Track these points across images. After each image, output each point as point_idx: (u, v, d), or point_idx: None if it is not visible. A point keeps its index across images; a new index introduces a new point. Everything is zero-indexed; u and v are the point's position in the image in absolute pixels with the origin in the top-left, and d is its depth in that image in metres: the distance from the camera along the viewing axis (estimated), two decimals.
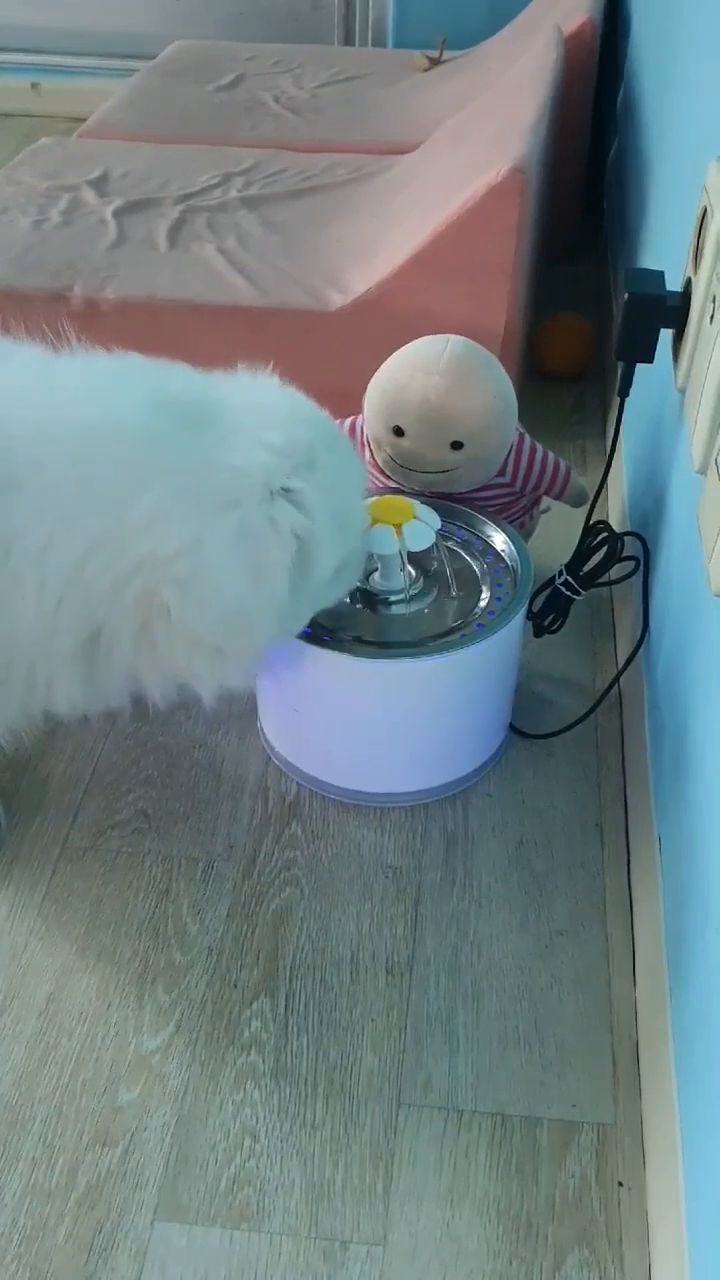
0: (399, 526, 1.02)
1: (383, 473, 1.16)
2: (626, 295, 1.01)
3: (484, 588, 1.07)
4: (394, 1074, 0.89)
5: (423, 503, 1.06)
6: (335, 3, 2.77)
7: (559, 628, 1.19)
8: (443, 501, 1.13)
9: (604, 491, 1.23)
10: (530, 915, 1.01)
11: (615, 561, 1.14)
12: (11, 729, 0.97)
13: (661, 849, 0.95)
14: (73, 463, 0.84)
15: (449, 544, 1.12)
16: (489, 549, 1.12)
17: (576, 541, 1.17)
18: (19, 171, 1.84)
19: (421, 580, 1.07)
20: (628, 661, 1.14)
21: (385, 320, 1.42)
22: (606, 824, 1.09)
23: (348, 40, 2.81)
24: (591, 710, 1.16)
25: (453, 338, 1.12)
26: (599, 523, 1.17)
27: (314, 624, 1.00)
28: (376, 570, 1.05)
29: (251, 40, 2.62)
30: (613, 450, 1.19)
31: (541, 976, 0.96)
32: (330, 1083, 0.89)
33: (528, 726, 1.17)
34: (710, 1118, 0.71)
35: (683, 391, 0.98)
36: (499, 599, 1.06)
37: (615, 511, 1.40)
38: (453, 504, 1.14)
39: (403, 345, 1.13)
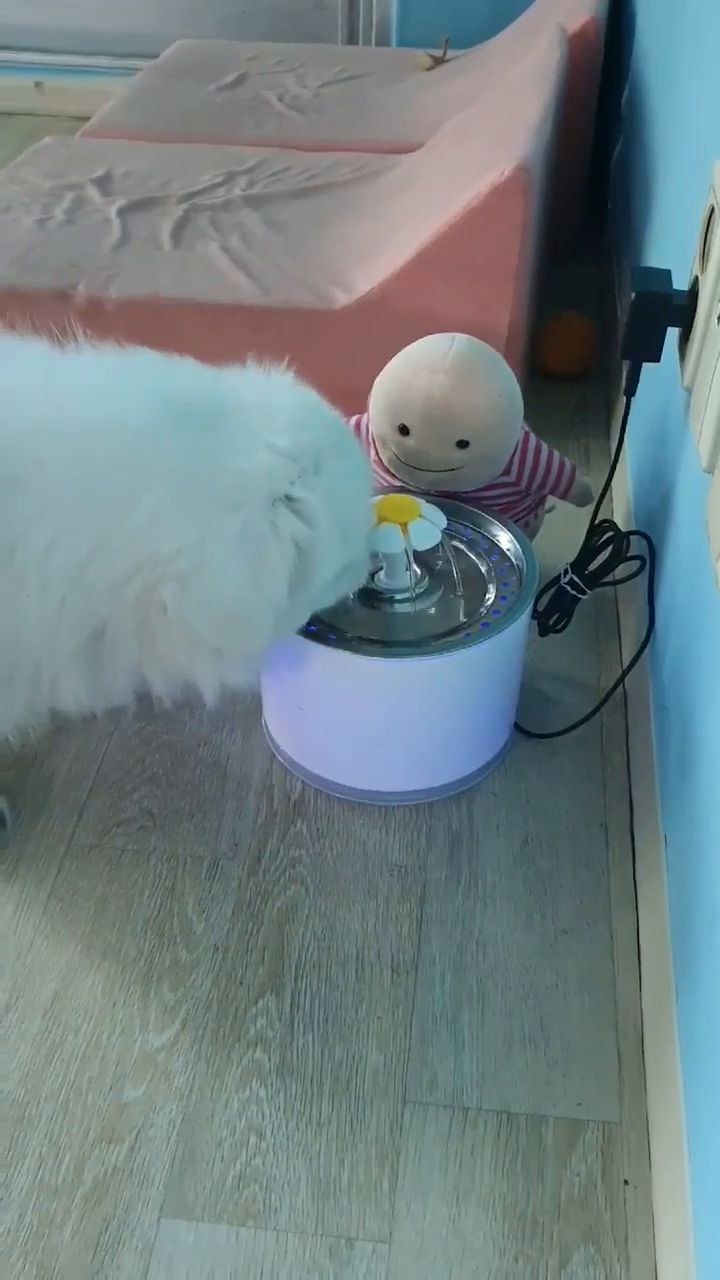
0: (405, 525, 1.02)
1: (388, 471, 1.16)
2: (633, 294, 1.01)
3: (489, 587, 1.07)
4: (399, 1072, 0.90)
5: (428, 501, 1.06)
6: (338, 2, 2.77)
7: (564, 627, 1.19)
8: (448, 500, 1.13)
9: (609, 491, 1.23)
10: (535, 914, 1.01)
11: (620, 560, 1.14)
12: (19, 726, 0.97)
13: (667, 848, 0.95)
14: (76, 462, 0.84)
15: (454, 543, 1.12)
16: (494, 548, 1.12)
17: (582, 540, 1.17)
18: (22, 170, 1.84)
19: (427, 579, 1.07)
20: (633, 661, 1.14)
21: (389, 319, 1.42)
22: (611, 823, 1.09)
23: (351, 39, 2.81)
24: (596, 709, 1.16)
25: (458, 336, 1.12)
26: (604, 522, 1.17)
27: (319, 622, 1.00)
28: (382, 569, 1.05)
29: (254, 39, 2.61)
30: (618, 449, 1.19)
31: (546, 975, 0.96)
32: (336, 1080, 0.89)
33: (533, 726, 1.17)
34: (716, 1115, 0.71)
35: (689, 390, 0.98)
36: (504, 598, 1.06)
37: (620, 510, 1.40)
38: (458, 503, 1.14)
39: (407, 344, 1.13)
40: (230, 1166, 0.84)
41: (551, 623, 1.19)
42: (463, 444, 1.10)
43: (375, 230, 1.61)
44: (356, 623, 1.03)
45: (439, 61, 2.31)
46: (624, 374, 1.12)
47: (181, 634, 0.87)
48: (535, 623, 1.18)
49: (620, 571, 1.15)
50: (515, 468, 1.18)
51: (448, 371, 1.09)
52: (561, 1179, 0.83)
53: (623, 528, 1.26)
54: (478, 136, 1.62)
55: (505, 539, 1.12)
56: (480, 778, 1.12)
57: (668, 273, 1.03)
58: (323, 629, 1.01)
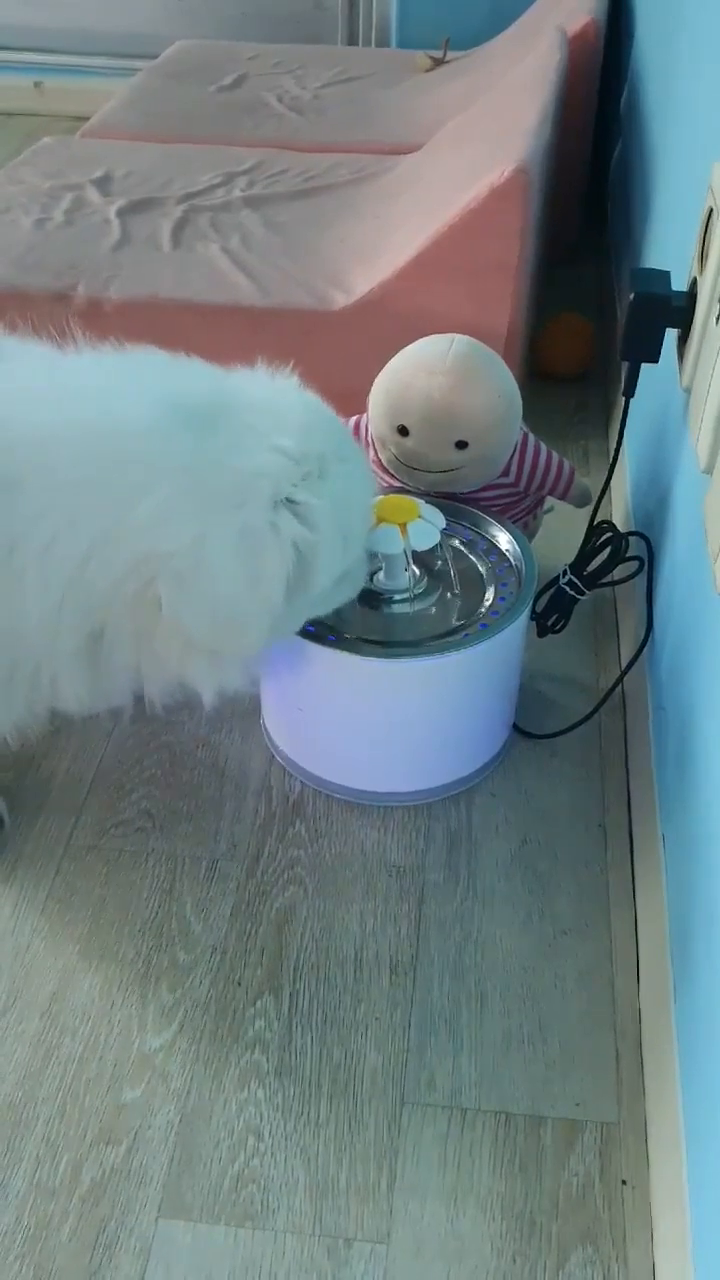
0: (404, 526, 1.02)
1: (387, 472, 1.16)
2: (632, 295, 1.01)
3: (488, 587, 1.07)
4: (398, 1072, 0.90)
5: (427, 502, 1.06)
6: (338, 3, 2.77)
7: (563, 628, 1.19)
8: (447, 501, 1.13)
9: (608, 491, 1.23)
10: (534, 915, 1.01)
11: (619, 561, 1.14)
12: (18, 726, 0.97)
13: (665, 848, 0.95)
14: (77, 462, 0.84)
15: (453, 543, 1.12)
16: (493, 549, 1.12)
17: (580, 541, 1.17)
18: (22, 171, 1.84)
19: (426, 580, 1.07)
20: (631, 661, 1.14)
21: (388, 320, 1.42)
22: (610, 824, 1.09)
23: (351, 40, 2.81)
24: (595, 710, 1.16)
25: (457, 337, 1.12)
26: (603, 523, 1.17)
27: (318, 623, 1.00)
28: (381, 569, 1.05)
29: (254, 40, 2.62)
30: (617, 450, 1.19)
31: (545, 975, 0.96)
32: (334, 1081, 0.89)
33: (531, 726, 1.17)
34: (714, 1116, 0.71)
35: (688, 391, 0.98)
36: (503, 599, 1.06)
37: (619, 511, 1.40)
38: (457, 504, 1.14)
39: (406, 345, 1.14)
40: (228, 1167, 0.84)
41: (550, 623, 1.19)
42: (462, 445, 1.10)
43: (374, 231, 1.61)
44: (355, 623, 1.03)
45: (439, 63, 2.31)
46: (623, 375, 1.12)
47: (176, 634, 0.86)
48: (534, 623, 1.18)
49: (619, 572, 1.15)
50: (514, 469, 1.18)
51: (447, 372, 1.09)
52: (559, 1179, 0.83)
53: (621, 528, 1.26)
54: (477, 138, 1.62)
55: (504, 540, 1.12)
56: (479, 778, 1.12)
57: (666, 274, 1.03)
58: (321, 629, 1.01)
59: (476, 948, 0.98)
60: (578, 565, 1.16)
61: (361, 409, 1.17)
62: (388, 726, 1.05)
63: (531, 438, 1.20)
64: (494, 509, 1.16)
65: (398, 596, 1.05)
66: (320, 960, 0.97)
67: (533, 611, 1.14)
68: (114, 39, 2.90)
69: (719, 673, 0.82)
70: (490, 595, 1.06)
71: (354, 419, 1.19)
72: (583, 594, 1.16)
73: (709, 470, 0.88)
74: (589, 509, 1.23)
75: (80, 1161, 0.84)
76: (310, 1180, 0.83)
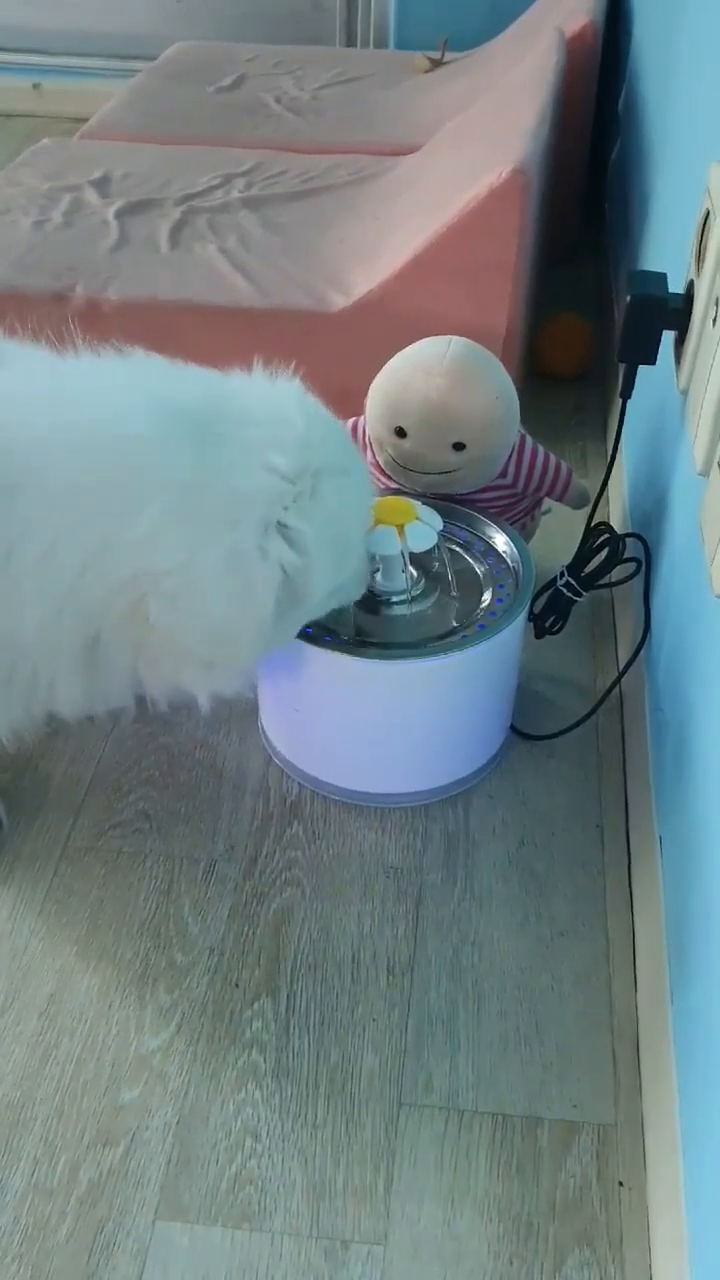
0: (401, 527, 1.02)
1: (384, 473, 1.16)
2: (629, 297, 1.01)
3: (485, 589, 1.07)
4: (395, 1074, 0.90)
5: (425, 504, 1.06)
6: (337, 4, 2.77)
7: (560, 629, 1.20)
8: (444, 503, 1.14)
9: (605, 493, 1.23)
10: (531, 916, 1.01)
11: (617, 563, 1.14)
12: (15, 729, 0.97)
13: (662, 850, 0.95)
14: (75, 471, 0.84)
15: (451, 545, 1.12)
16: (490, 550, 1.12)
17: (578, 543, 1.17)
18: (20, 172, 1.84)
19: (423, 581, 1.07)
20: (629, 662, 1.14)
21: (387, 321, 1.42)
22: (607, 825, 1.09)
23: (349, 41, 2.81)
24: (592, 711, 1.16)
25: (455, 339, 1.12)
26: (600, 524, 1.17)
27: (315, 624, 1.00)
28: (378, 571, 1.05)
29: (253, 41, 2.62)
30: (614, 452, 1.19)
31: (542, 977, 0.96)
32: (332, 1082, 0.89)
33: (529, 727, 1.17)
34: (710, 1117, 0.71)
35: (685, 393, 0.98)
36: (500, 600, 1.06)
37: (616, 513, 1.40)
38: (454, 505, 1.15)
39: (404, 346, 1.14)
40: (226, 1169, 0.84)
41: (548, 625, 1.19)
42: (459, 446, 1.10)
43: (373, 232, 1.61)
44: (352, 624, 1.03)
45: (437, 64, 2.31)
46: (620, 377, 1.12)
47: (169, 646, 0.87)
48: (531, 625, 1.18)
49: (616, 574, 1.15)
50: (512, 470, 1.18)
51: (444, 374, 1.09)
52: (557, 1181, 0.84)
53: (619, 530, 1.26)
54: (476, 139, 1.62)
55: (501, 541, 1.12)
56: (476, 780, 1.13)
57: (663, 276, 1.03)
58: (319, 631, 1.01)
59: (474, 949, 0.98)
60: (575, 566, 1.16)
61: (359, 410, 1.17)
62: (385, 728, 1.05)
63: (529, 439, 1.20)
64: (491, 510, 1.17)
65: (395, 598, 1.06)
66: (318, 961, 0.97)
67: (530, 613, 1.14)
68: (113, 40, 2.90)
69: (716, 674, 0.82)
70: (488, 597, 1.07)
71: (351, 420, 1.19)
72: (580, 595, 1.16)
73: (705, 472, 0.88)
74: (586, 510, 1.23)
75: (78, 1162, 0.84)
76: (307, 1181, 0.83)
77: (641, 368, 1.07)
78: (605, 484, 1.22)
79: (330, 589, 0.92)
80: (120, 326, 1.47)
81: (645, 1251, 0.80)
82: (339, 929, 1.00)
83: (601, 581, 1.15)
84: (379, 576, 1.05)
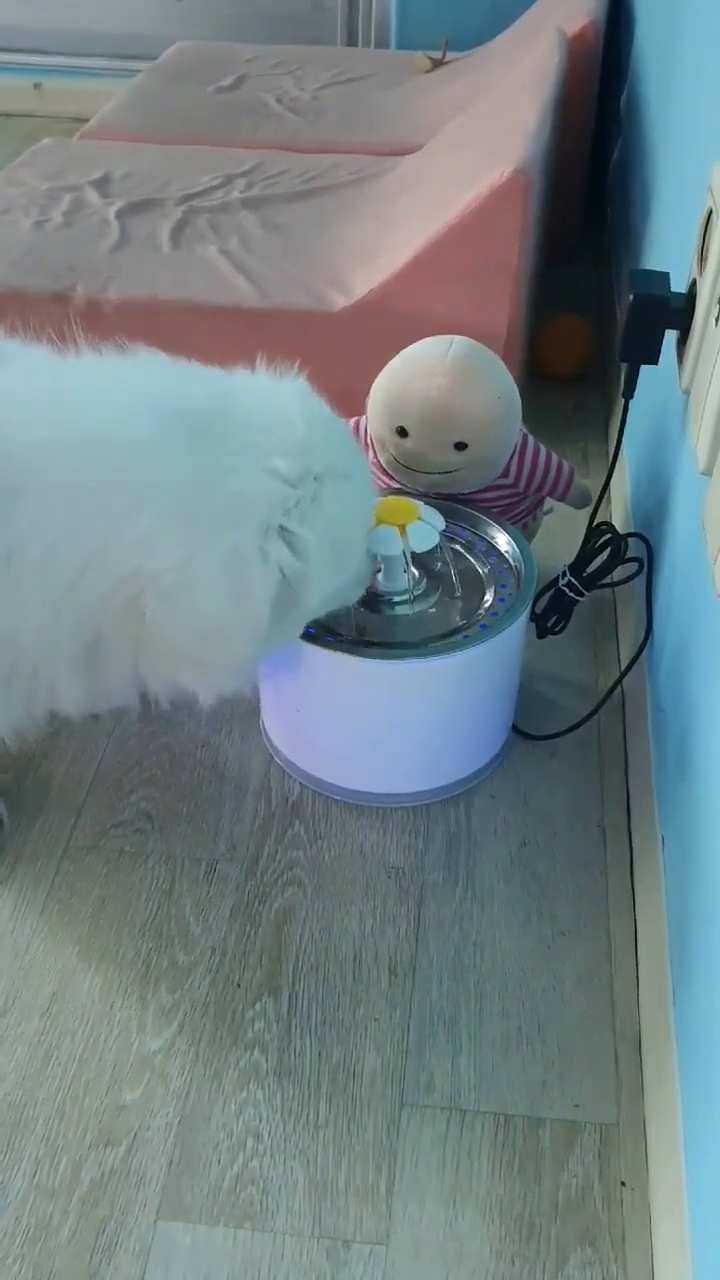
0: (403, 527, 1.02)
1: (386, 473, 1.16)
2: (631, 296, 1.01)
3: (487, 589, 1.07)
4: (397, 1074, 0.90)
5: (426, 504, 1.06)
6: (338, 4, 2.77)
7: (562, 629, 1.19)
8: (446, 502, 1.13)
9: (607, 493, 1.23)
10: (533, 916, 1.01)
11: (619, 563, 1.14)
12: (16, 729, 0.97)
13: (664, 849, 0.95)
14: (76, 473, 0.84)
15: (453, 545, 1.12)
16: (492, 550, 1.12)
17: (580, 543, 1.17)
18: (21, 172, 1.84)
19: (425, 581, 1.07)
20: (631, 662, 1.14)
21: (388, 321, 1.42)
22: (609, 825, 1.09)
23: (350, 41, 2.81)
24: (594, 711, 1.16)
25: (456, 338, 1.12)
26: (602, 524, 1.17)
27: (316, 624, 1.00)
28: (380, 571, 1.05)
29: (253, 41, 2.62)
30: (616, 451, 1.19)
31: (544, 977, 0.96)
32: (333, 1082, 0.89)
33: (530, 727, 1.17)
34: (713, 1117, 0.71)
35: (687, 393, 0.98)
36: (502, 600, 1.06)
37: (618, 513, 1.40)
38: (456, 505, 1.14)
39: (405, 346, 1.14)
40: (227, 1169, 0.84)
41: (550, 624, 1.19)
42: (461, 446, 1.10)
43: (374, 232, 1.61)
44: (355, 625, 1.03)
45: (438, 64, 2.31)
46: (622, 376, 1.12)
47: (162, 644, 0.87)
48: (533, 625, 1.18)
49: (618, 573, 1.15)
50: (513, 470, 1.18)
51: (446, 374, 1.09)
52: (559, 1181, 0.83)
53: (621, 530, 1.26)
54: (476, 139, 1.62)
55: (503, 541, 1.12)
56: (478, 779, 1.12)
57: (666, 275, 1.03)
58: (320, 631, 1.01)
59: (475, 949, 0.98)
60: (577, 566, 1.16)
61: (361, 410, 1.17)
62: (387, 728, 1.05)
63: (530, 439, 1.20)
64: (493, 510, 1.17)
65: (397, 598, 1.06)
66: (319, 961, 0.97)
67: (532, 613, 1.14)
68: (113, 40, 2.90)
69: (718, 674, 0.82)
70: (489, 596, 1.06)
71: (353, 420, 1.19)
72: (582, 595, 1.16)
73: (708, 472, 0.88)
74: (588, 510, 1.23)
75: (80, 1162, 0.84)
76: (309, 1181, 0.83)
77: (644, 367, 1.07)
78: (607, 483, 1.22)
79: (329, 592, 0.92)
80: (120, 327, 1.46)
81: (647, 1251, 0.80)
82: (340, 929, 1.00)
83: (603, 581, 1.15)
84: (381, 576, 1.05)
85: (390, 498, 1.06)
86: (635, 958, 0.97)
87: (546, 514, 1.30)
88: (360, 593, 1.01)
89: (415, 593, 1.06)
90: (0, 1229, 0.80)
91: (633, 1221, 0.81)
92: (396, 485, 1.16)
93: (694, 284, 0.98)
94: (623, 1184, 0.83)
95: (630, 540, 1.16)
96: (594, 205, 2.20)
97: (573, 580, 1.16)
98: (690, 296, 0.98)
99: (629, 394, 1.12)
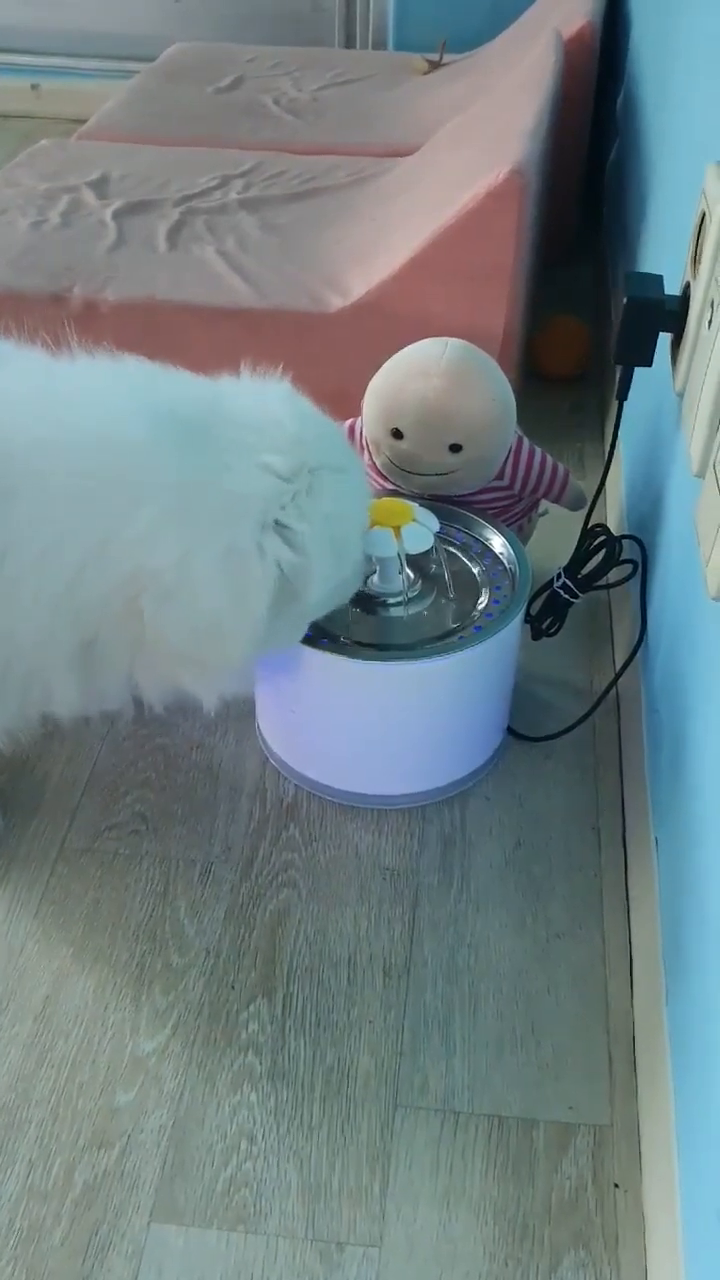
0: (397, 529, 1.02)
1: (381, 475, 1.16)
2: (625, 299, 1.01)
3: (482, 591, 1.07)
4: (391, 1076, 0.90)
5: (421, 505, 1.06)
6: (336, 5, 2.77)
7: (557, 631, 1.20)
8: (441, 504, 1.13)
9: (602, 494, 1.23)
10: (527, 917, 1.01)
11: (613, 564, 1.14)
12: (9, 731, 0.97)
13: (658, 851, 0.95)
14: (71, 474, 0.84)
15: (447, 547, 1.12)
16: (487, 552, 1.12)
17: (575, 544, 1.17)
18: (18, 173, 1.84)
19: (420, 583, 1.07)
20: (625, 664, 1.14)
21: (384, 322, 1.42)
22: (604, 826, 1.09)
23: (348, 43, 2.81)
24: (589, 713, 1.16)
25: (451, 340, 1.12)
26: (597, 526, 1.17)
27: (312, 626, 1.00)
28: (375, 572, 1.05)
29: (251, 42, 2.62)
30: (611, 453, 1.19)
31: (538, 979, 0.96)
32: (327, 1084, 0.89)
33: (525, 729, 1.17)
34: (706, 1119, 0.71)
35: (681, 395, 0.98)
36: (497, 601, 1.06)
37: (614, 515, 1.40)
38: (451, 507, 1.14)
39: (402, 348, 1.14)
40: (221, 1171, 0.84)
41: (544, 626, 1.19)
42: (456, 448, 1.10)
43: (371, 233, 1.61)
44: (349, 626, 1.03)
45: (436, 65, 2.31)
46: (616, 379, 1.12)
47: (162, 644, 0.87)
48: (528, 626, 1.18)
49: (613, 575, 1.15)
50: (509, 472, 1.18)
51: (441, 375, 1.09)
52: (552, 1183, 0.84)
53: (616, 532, 1.26)
54: (474, 140, 1.63)
55: (498, 543, 1.12)
56: (473, 781, 1.12)
57: (660, 278, 1.03)
58: (316, 632, 1.01)
59: (470, 950, 0.98)
60: (572, 568, 1.16)
61: (357, 411, 1.17)
62: (382, 729, 1.05)
63: (526, 441, 1.20)
64: (489, 512, 1.17)
65: (392, 600, 1.06)
66: (314, 963, 0.97)
67: (527, 614, 1.14)
68: (111, 41, 2.90)
69: (712, 676, 0.82)
70: (484, 598, 1.07)
71: (348, 422, 1.19)
72: (577, 597, 1.16)
73: (701, 474, 0.88)
74: (583, 512, 1.23)
75: (73, 1165, 0.84)
76: (303, 1184, 0.83)
77: (639, 370, 1.07)
78: (602, 485, 1.22)
79: (329, 588, 0.92)
80: (117, 327, 1.47)
81: (641, 1253, 0.80)
82: (335, 931, 1.00)
83: (598, 583, 1.15)
84: (376, 578, 1.05)
85: (385, 499, 1.06)
86: (629, 959, 0.97)
87: (542, 516, 1.30)
88: (355, 589, 1.01)
89: (410, 595, 1.06)
90: None
91: (626, 1223, 0.81)
92: (391, 487, 1.16)
93: (688, 287, 0.98)
94: (616, 1186, 0.83)
95: (625, 542, 1.16)
96: (591, 206, 2.20)
97: (567, 582, 1.16)
98: (684, 299, 0.98)
99: (623, 396, 1.12)
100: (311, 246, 1.62)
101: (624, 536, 1.17)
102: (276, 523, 0.86)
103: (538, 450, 1.20)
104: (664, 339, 1.04)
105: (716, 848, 0.76)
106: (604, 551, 1.14)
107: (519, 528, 1.23)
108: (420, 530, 1.03)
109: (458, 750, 1.10)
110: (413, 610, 1.06)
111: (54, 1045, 0.91)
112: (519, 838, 1.08)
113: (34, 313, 1.44)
